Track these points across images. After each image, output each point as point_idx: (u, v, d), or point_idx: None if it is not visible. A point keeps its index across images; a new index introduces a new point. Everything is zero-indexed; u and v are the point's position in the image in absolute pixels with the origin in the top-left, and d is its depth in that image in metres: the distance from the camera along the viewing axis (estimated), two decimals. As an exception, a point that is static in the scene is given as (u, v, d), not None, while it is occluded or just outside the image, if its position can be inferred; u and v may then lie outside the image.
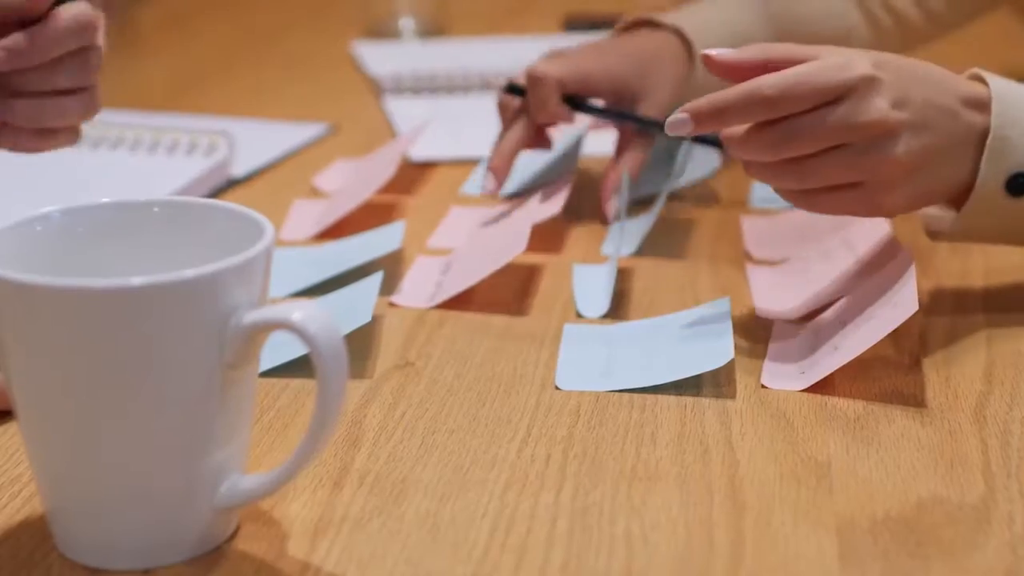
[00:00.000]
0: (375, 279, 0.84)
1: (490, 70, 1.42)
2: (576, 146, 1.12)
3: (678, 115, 0.78)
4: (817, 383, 0.76)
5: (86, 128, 1.14)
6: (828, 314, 0.82)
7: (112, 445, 0.58)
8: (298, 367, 0.78)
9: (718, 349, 0.76)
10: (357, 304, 0.81)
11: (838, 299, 0.83)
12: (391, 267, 0.94)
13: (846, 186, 0.78)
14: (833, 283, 0.87)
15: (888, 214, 0.82)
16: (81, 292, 0.55)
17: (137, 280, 0.55)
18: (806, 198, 0.80)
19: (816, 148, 0.77)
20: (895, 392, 0.76)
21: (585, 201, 1.08)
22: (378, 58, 1.55)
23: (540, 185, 1.07)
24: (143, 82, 1.54)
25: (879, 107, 0.76)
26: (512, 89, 1.05)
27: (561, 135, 1.15)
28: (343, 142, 1.27)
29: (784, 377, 0.77)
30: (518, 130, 1.04)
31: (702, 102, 0.78)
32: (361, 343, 0.82)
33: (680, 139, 0.95)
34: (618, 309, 0.87)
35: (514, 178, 1.11)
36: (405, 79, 1.42)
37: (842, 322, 0.80)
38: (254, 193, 1.13)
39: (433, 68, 1.44)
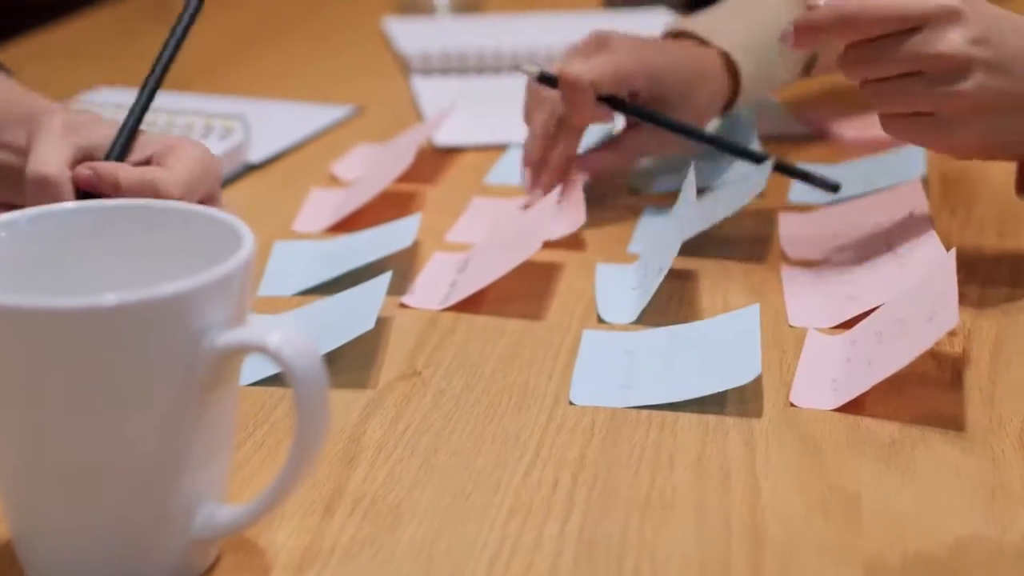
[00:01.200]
0: (382, 281, 0.79)
1: (524, 49, 1.37)
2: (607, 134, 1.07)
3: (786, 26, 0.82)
4: (849, 401, 0.71)
5: (98, 110, 1.11)
6: (865, 324, 0.77)
7: (79, 471, 0.53)
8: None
9: (745, 364, 0.71)
10: (361, 308, 0.76)
11: (877, 307, 0.78)
12: (406, 262, 0.89)
13: (921, 115, 0.80)
14: (871, 289, 0.82)
15: (959, 153, 0.83)
16: (44, 313, 0.50)
17: (101, 299, 0.50)
18: (886, 122, 0.82)
19: (892, 72, 0.79)
20: (933, 413, 0.71)
21: (611, 195, 1.03)
22: (408, 35, 1.50)
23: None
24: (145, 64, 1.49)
25: (954, 40, 0.78)
26: (544, 79, 0.99)
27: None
28: (367, 125, 1.23)
29: (814, 394, 0.72)
30: (557, 137, 1.00)
31: (799, 18, 0.81)
32: (366, 350, 0.77)
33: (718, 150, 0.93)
34: (640, 312, 0.82)
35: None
36: (434, 58, 1.37)
37: (878, 334, 0.75)
38: (269, 180, 1.08)
39: (463, 47, 1.39)
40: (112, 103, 1.13)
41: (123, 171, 0.77)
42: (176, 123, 1.10)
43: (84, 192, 0.77)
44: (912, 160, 1.02)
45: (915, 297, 0.75)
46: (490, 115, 1.20)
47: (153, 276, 0.54)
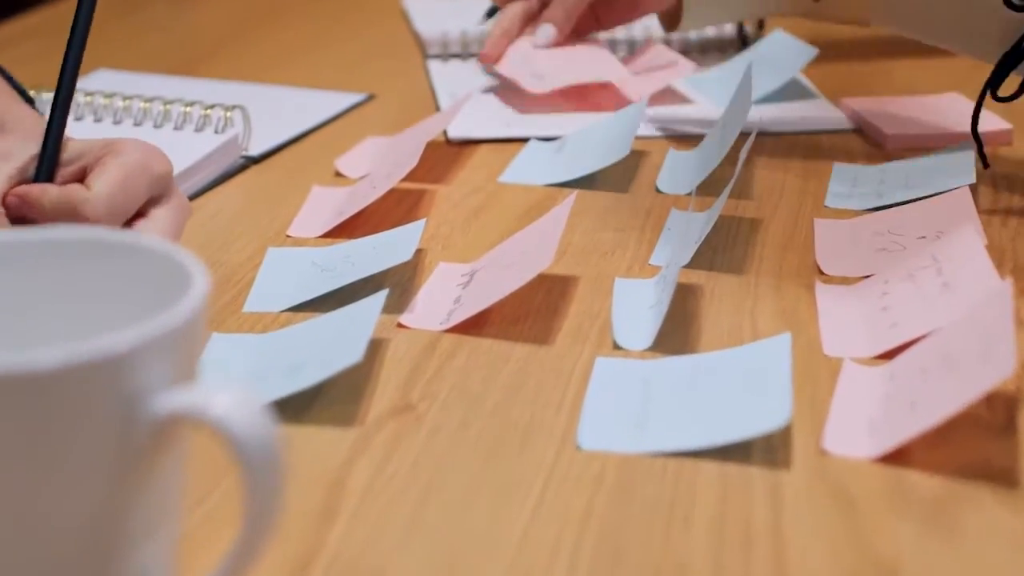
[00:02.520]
0: (376, 303, 0.72)
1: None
2: (635, 116, 0.99)
3: None
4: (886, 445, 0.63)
5: (91, 99, 1.04)
6: (907, 357, 0.70)
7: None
8: (278, 407, 0.66)
9: (773, 407, 0.64)
10: (351, 335, 0.69)
11: (921, 336, 0.71)
12: (408, 272, 0.82)
13: None
14: (915, 314, 0.74)
15: None
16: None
17: (8, 362, 0.43)
18: None
19: None
20: (984, 465, 0.63)
21: (633, 196, 0.95)
22: (428, 14, 1.42)
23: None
24: (168, 39, 1.42)
25: None
26: None
27: (615, 117, 1.02)
28: (378, 114, 1.15)
29: (850, 440, 0.65)
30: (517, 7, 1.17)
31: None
32: (356, 378, 0.70)
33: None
34: (660, 335, 0.74)
35: (561, 161, 0.99)
36: (452, 42, 1.30)
37: (923, 370, 0.67)
38: (269, 175, 1.01)
39: (484, 29, 1.31)
40: (106, 90, 1.06)
41: (48, 193, 0.69)
42: (171, 114, 1.03)
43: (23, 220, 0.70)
44: (960, 165, 0.94)
45: (965, 331, 0.67)
46: (508, 106, 1.13)
47: (83, 324, 0.47)
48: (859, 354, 0.73)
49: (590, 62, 1.17)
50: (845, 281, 0.81)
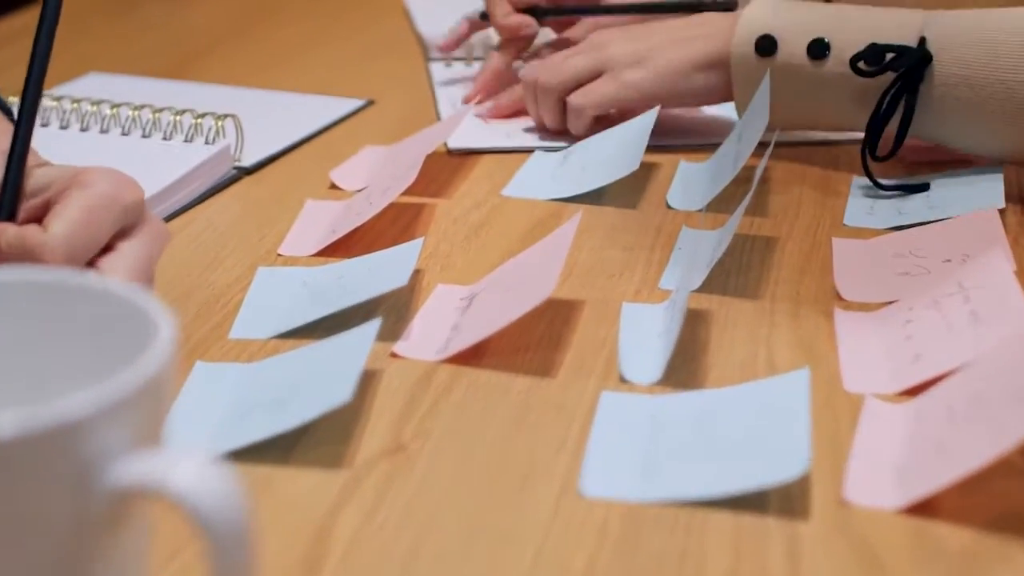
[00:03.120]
0: (367, 335, 0.68)
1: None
2: (644, 126, 0.95)
3: None
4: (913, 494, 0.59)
5: (77, 106, 1.00)
6: (934, 394, 0.65)
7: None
8: (261, 447, 0.62)
9: (791, 453, 0.60)
10: (339, 369, 0.65)
11: (948, 372, 0.66)
12: (404, 294, 0.78)
13: None
14: (941, 347, 0.70)
15: None
16: None
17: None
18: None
19: None
20: (1016, 516, 0.59)
21: (643, 213, 0.91)
22: (430, 12, 1.38)
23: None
24: (163, 38, 1.38)
25: None
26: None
27: (624, 129, 0.98)
28: (377, 122, 1.11)
29: (873, 488, 0.60)
30: (500, 55, 1.14)
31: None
32: (345, 415, 0.66)
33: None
34: (670, 367, 0.70)
35: (566, 174, 0.95)
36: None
37: (951, 410, 0.63)
38: (262, 188, 0.97)
39: (489, 30, 1.26)
40: (94, 97, 1.02)
41: (5, 234, 0.64)
42: (161, 122, 0.99)
43: None
44: (988, 187, 0.89)
45: (995, 367, 0.63)
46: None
47: (35, 381, 0.43)
48: (881, 390, 0.68)
49: None
50: (865, 307, 0.77)
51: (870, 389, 0.68)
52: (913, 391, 0.67)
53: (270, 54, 1.32)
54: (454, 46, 1.22)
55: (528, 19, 1.13)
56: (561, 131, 1.04)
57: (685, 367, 0.71)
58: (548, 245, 0.77)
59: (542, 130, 1.05)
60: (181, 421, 0.65)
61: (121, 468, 0.41)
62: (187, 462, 0.40)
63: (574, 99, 1.01)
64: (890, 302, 0.77)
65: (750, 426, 0.63)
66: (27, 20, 1.38)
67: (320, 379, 0.66)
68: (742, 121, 0.92)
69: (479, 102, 1.11)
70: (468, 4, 1.34)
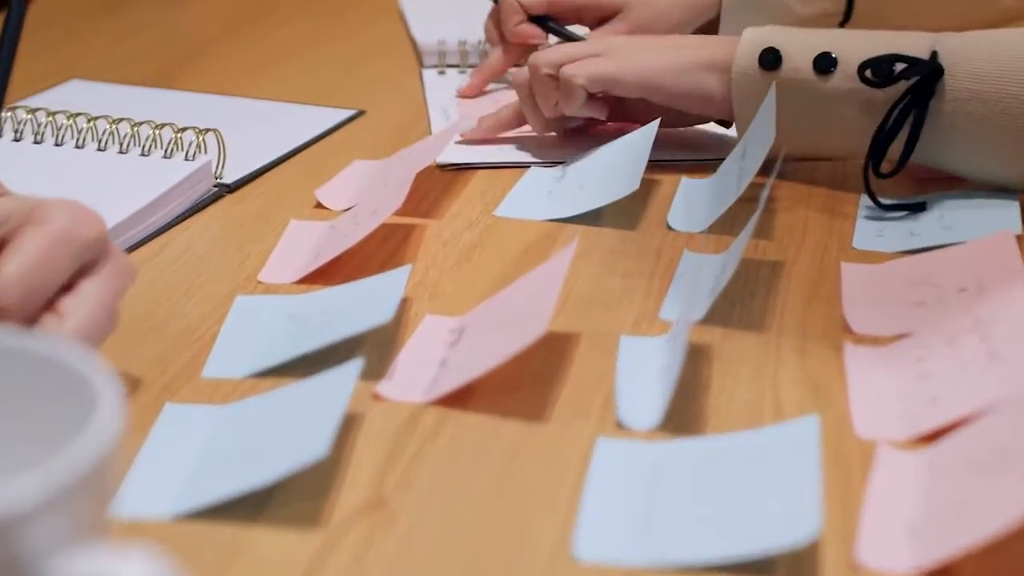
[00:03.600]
0: (348, 376, 0.64)
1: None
2: (645, 141, 0.91)
3: None
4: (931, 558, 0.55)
5: (52, 119, 0.96)
6: (949, 444, 0.61)
7: None
8: (230, 504, 0.58)
9: (801, 514, 0.55)
10: (317, 418, 0.61)
11: (966, 416, 0.62)
12: (389, 327, 0.74)
13: None
14: (957, 388, 0.66)
15: None
16: None
17: None
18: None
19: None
20: (1042, 583, 0.55)
21: (643, 234, 0.87)
22: (425, 15, 1.33)
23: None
24: (150, 41, 1.34)
25: None
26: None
27: (623, 143, 0.94)
28: (368, 133, 1.07)
29: (887, 550, 0.56)
30: (497, 54, 1.13)
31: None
32: (322, 467, 0.61)
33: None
34: (670, 409, 0.66)
35: (563, 192, 0.91)
36: (450, 52, 1.21)
37: (970, 463, 0.59)
38: (245, 206, 0.93)
39: (481, 32, 1.22)
40: (71, 109, 0.98)
41: None
42: (140, 136, 0.95)
43: None
44: (1003, 211, 0.85)
45: (1018, 417, 0.59)
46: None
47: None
48: (895, 435, 0.64)
49: None
50: (877, 341, 0.73)
51: (883, 435, 0.64)
52: (928, 436, 0.63)
53: (261, 58, 1.27)
54: (478, 89, 1.15)
55: (538, 31, 1.11)
56: (558, 123, 1.00)
57: (686, 409, 0.67)
58: (541, 276, 0.73)
59: (539, 133, 1.01)
60: (147, 470, 0.61)
61: (59, 566, 0.37)
62: (134, 559, 0.36)
63: (567, 70, 0.95)
64: (903, 334, 0.72)
65: (757, 481, 0.59)
66: None
67: (296, 429, 0.61)
68: (746, 137, 0.87)
69: (469, 95, 1.12)
70: (463, 8, 1.30)
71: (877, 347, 0.72)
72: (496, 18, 1.13)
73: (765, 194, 0.76)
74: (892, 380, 0.68)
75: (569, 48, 0.99)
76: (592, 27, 1.11)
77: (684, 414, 0.66)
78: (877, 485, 0.60)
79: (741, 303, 0.77)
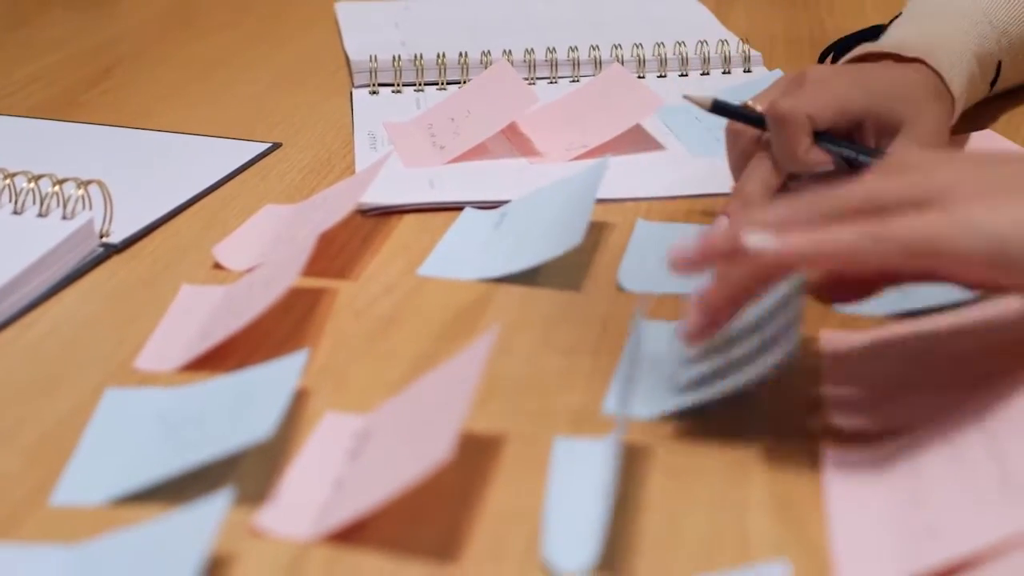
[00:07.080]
0: (210, 515, 0.51)
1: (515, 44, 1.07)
2: (591, 185, 0.79)
3: None
4: None
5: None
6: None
7: None
8: None
9: None
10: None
11: (972, 557, 0.50)
12: (281, 428, 0.61)
13: None
14: (958, 513, 0.53)
15: None
16: None
17: None
18: None
19: None
20: None
21: (588, 290, 0.75)
22: (361, 26, 1.21)
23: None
24: (61, 56, 1.21)
25: None
26: (727, 111, 0.81)
27: (568, 185, 0.82)
28: (285, 169, 0.95)
29: None
30: (761, 175, 0.81)
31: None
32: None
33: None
34: (608, 547, 0.54)
35: (499, 241, 0.79)
36: (383, 66, 1.08)
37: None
38: (132, 269, 0.80)
39: (421, 45, 1.09)
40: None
41: None
42: (14, 189, 0.82)
43: None
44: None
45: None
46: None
47: None
48: (886, 579, 0.52)
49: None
50: (863, 438, 0.61)
51: (873, 578, 0.52)
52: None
53: (175, 76, 1.15)
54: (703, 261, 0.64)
55: (829, 158, 0.80)
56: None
57: (633, 548, 0.54)
58: (456, 369, 0.61)
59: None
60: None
61: None
62: None
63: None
64: (892, 431, 0.60)
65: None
66: None
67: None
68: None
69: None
70: (403, 15, 1.18)
71: (861, 449, 0.60)
72: (745, 141, 0.83)
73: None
74: (882, 502, 0.56)
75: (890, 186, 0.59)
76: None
77: (629, 556, 0.54)
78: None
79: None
